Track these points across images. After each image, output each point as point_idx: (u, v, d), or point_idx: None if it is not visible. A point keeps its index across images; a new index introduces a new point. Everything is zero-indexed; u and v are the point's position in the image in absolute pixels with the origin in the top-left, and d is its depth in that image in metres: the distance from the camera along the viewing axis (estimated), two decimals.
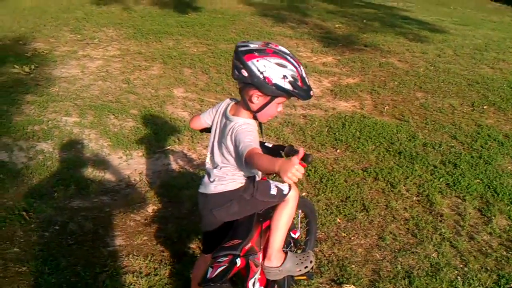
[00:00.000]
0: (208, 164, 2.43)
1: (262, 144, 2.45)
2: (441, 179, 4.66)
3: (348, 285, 3.13)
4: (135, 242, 3.53)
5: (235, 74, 2.19)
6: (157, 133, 5.36)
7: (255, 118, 2.28)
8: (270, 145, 2.49)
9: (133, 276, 3.13)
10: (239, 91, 2.27)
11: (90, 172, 4.50)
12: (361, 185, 4.51)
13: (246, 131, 2.17)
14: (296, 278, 2.59)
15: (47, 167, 4.48)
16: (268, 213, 2.50)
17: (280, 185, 2.46)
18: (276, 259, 2.46)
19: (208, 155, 2.43)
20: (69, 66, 7.24)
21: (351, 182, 4.56)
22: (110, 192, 4.22)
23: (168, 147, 5.08)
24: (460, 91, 7.24)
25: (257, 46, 2.16)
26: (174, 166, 4.75)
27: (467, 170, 4.87)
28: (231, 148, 2.23)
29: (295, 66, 2.18)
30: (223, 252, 2.13)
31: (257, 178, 2.39)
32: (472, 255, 3.56)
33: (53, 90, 6.32)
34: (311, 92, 2.25)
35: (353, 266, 3.39)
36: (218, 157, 2.35)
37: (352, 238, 3.74)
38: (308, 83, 2.23)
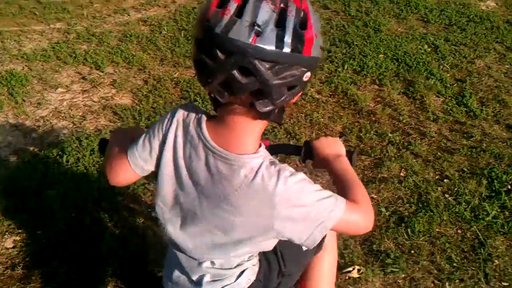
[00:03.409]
0: (181, 250, 1.22)
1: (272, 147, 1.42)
2: (345, 66, 3.85)
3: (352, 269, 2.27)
4: None
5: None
6: None
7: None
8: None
9: None
10: (240, 100, 1.02)
11: None
12: None
13: (303, 185, 1.07)
14: None
15: None
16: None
17: None
18: None
19: (172, 230, 1.21)
20: None
21: None
22: None
23: None
24: None
25: None
26: (5, 149, 3.13)
27: (363, 45, 4.13)
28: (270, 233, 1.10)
29: None
30: None
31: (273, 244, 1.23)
32: (438, 158, 2.92)
33: None
34: None
35: None
36: (204, 246, 1.18)
37: None
38: None
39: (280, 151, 1.43)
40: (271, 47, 0.91)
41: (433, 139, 3.08)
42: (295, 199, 1.03)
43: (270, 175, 1.03)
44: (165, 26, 4.47)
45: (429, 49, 4.08)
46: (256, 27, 0.90)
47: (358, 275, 2.20)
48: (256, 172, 1.04)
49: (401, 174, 2.80)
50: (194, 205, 1.13)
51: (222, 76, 0.95)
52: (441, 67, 3.83)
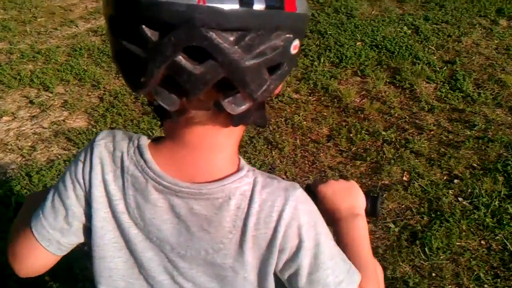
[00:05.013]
0: None
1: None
2: (321, 59, 3.47)
3: None
4: None
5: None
6: None
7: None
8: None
9: None
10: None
11: None
12: None
13: (316, 221, 0.71)
14: None
15: None
16: None
17: None
18: None
19: None
20: None
21: None
22: None
23: None
24: None
25: None
26: None
27: (337, 34, 3.77)
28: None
29: None
30: None
31: None
32: (442, 154, 2.56)
33: None
34: None
35: None
36: None
37: None
38: None
39: None
40: (233, 5, 0.52)
41: (432, 132, 2.73)
42: (304, 237, 0.68)
43: (274, 195, 0.68)
44: None
45: (409, 31, 3.74)
46: None
47: None
48: (251, 197, 0.67)
49: (404, 178, 2.43)
50: (165, 274, 0.74)
51: (160, 68, 0.56)
52: (426, 49, 3.49)
